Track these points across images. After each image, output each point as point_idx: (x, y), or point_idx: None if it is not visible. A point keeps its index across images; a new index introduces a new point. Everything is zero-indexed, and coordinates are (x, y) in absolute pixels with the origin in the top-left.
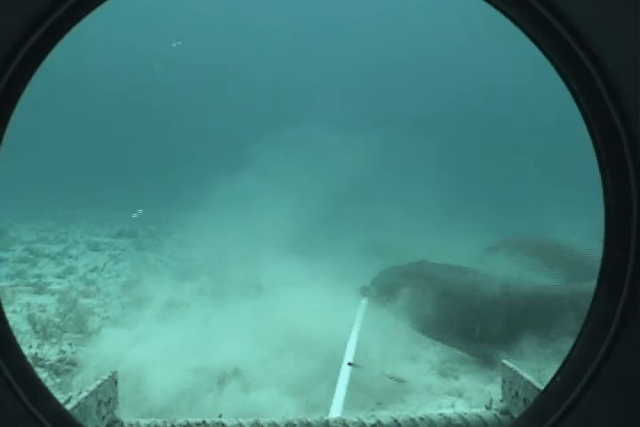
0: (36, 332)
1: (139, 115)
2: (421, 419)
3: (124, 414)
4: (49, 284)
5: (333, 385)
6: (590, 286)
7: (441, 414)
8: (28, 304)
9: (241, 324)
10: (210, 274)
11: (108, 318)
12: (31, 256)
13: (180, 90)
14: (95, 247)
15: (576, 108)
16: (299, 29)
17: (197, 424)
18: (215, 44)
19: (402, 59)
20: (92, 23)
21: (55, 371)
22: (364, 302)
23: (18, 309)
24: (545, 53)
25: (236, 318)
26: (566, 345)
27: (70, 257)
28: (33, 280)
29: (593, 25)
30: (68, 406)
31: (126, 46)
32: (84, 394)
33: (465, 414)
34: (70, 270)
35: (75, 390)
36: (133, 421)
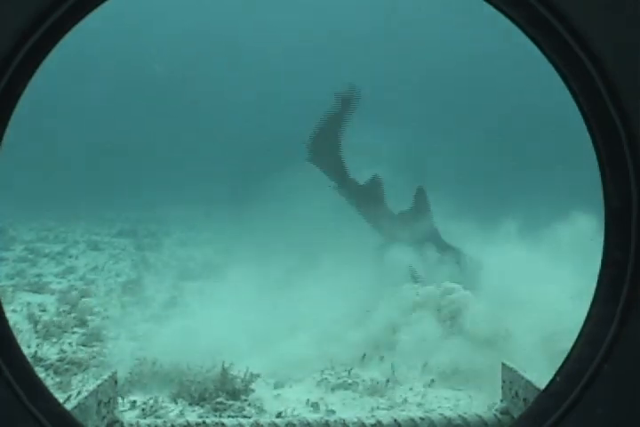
0: (36, 331)
1: (138, 115)
2: (421, 419)
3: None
4: (49, 283)
5: None
6: None
7: (441, 414)
8: (28, 304)
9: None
10: (211, 273)
11: (108, 317)
12: (31, 256)
13: (181, 90)
14: (95, 247)
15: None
16: (303, 28)
17: (197, 424)
18: (217, 43)
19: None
20: (92, 23)
21: (55, 371)
22: None
23: (18, 308)
24: (545, 53)
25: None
26: None
27: (70, 256)
28: (33, 280)
29: (593, 25)
30: (68, 406)
31: (126, 46)
32: (84, 394)
33: (465, 414)
34: (70, 270)
35: (75, 390)
36: (133, 421)
